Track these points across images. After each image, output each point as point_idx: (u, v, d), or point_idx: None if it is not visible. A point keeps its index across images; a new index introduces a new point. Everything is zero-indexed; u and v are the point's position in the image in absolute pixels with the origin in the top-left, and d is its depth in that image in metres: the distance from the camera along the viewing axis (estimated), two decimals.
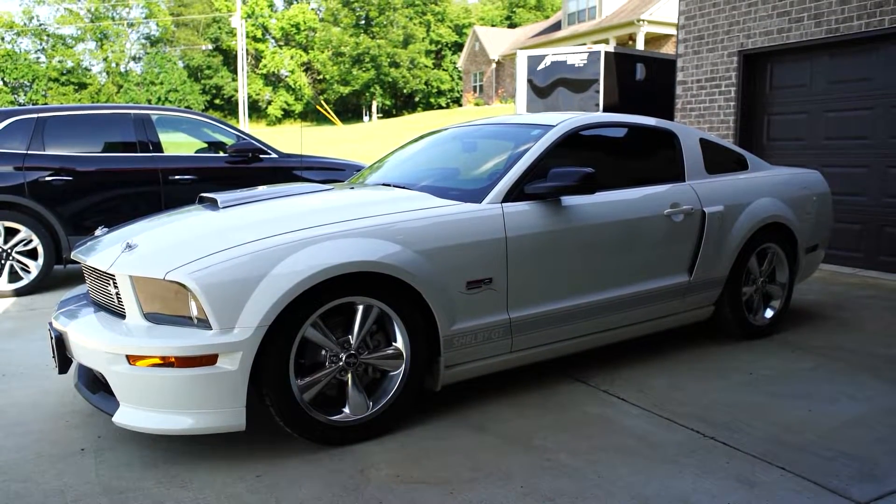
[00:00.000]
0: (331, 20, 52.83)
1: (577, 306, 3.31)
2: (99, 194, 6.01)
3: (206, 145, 6.95)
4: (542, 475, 2.51)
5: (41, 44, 49.20)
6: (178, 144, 6.97)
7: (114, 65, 50.94)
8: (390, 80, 49.74)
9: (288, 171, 6.86)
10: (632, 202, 3.54)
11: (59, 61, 48.29)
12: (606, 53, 9.13)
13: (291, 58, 53.00)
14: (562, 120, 3.60)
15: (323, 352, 2.70)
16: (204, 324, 2.48)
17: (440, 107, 49.60)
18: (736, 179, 4.11)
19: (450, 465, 2.60)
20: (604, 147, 3.84)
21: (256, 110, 52.08)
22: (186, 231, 2.85)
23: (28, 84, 46.44)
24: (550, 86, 9.33)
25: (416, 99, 51.64)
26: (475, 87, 38.88)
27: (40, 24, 49.13)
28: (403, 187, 3.44)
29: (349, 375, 2.75)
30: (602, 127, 3.78)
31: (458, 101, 48.47)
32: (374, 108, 50.60)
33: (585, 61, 9.03)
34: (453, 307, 2.90)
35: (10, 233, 5.73)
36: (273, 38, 54.53)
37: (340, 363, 2.72)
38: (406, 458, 2.65)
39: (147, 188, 6.19)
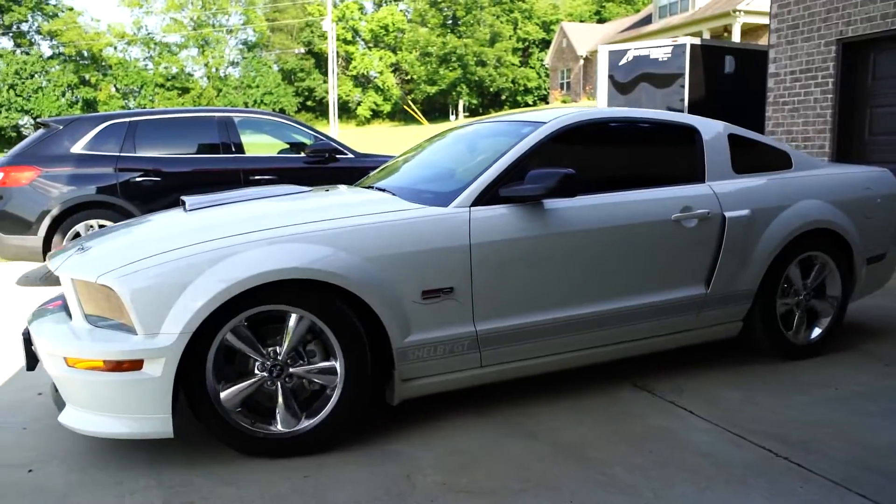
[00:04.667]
0: (419, 21, 53.42)
1: (564, 319, 3.04)
2: (184, 194, 6.26)
3: (287, 146, 7.14)
4: (593, 489, 2.39)
5: (149, 52, 52.27)
6: (261, 146, 7.19)
7: (214, 70, 53.47)
8: (477, 78, 49.78)
9: (364, 170, 6.93)
10: (631, 206, 3.21)
11: (165, 67, 51.11)
12: (692, 46, 8.72)
13: (380, 59, 53.96)
14: (556, 117, 3.33)
15: (251, 361, 2.64)
16: (132, 328, 2.46)
17: (527, 105, 49.24)
18: (772, 180, 3.65)
19: (498, 474, 2.52)
20: (605, 145, 3.52)
21: (346, 111, 53.34)
22: (141, 234, 2.88)
23: (137, 90, 49.39)
24: (632, 81, 9.01)
25: (503, 97, 51.44)
26: (562, 85, 38.33)
27: (148, 34, 52.21)
28: (385, 190, 3.33)
29: (278, 387, 2.66)
30: (604, 123, 3.46)
31: (545, 99, 47.95)
32: (460, 107, 50.76)
33: (670, 55, 8.66)
34: (407, 318, 2.73)
35: None
36: (363, 40, 55.69)
37: (265, 374, 2.64)
38: (454, 465, 2.59)
39: (229, 188, 6.40)
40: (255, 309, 2.57)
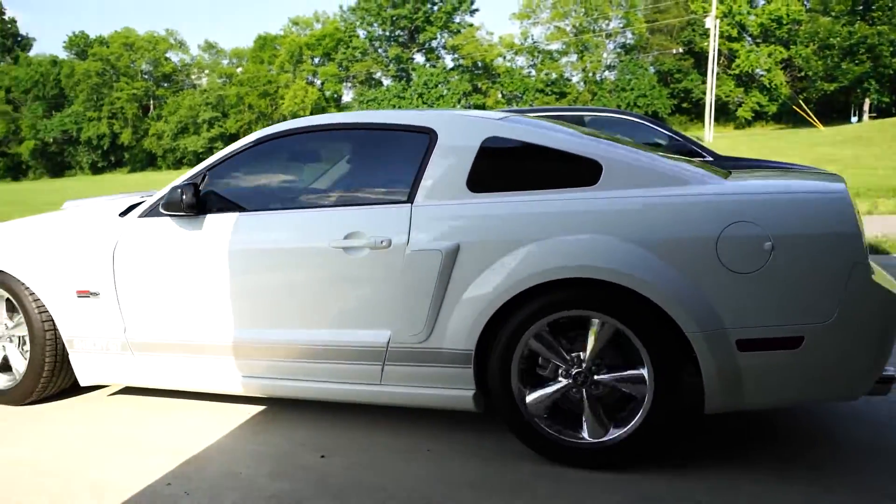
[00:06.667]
0: (819, 10, 47.20)
1: (213, 341, 2.98)
2: None
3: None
4: None
5: (532, 59, 56.02)
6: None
7: (591, 74, 54.91)
8: (891, 72, 42.03)
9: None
10: (286, 228, 2.90)
11: (546, 74, 54.26)
12: None
13: (769, 55, 49.15)
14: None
15: None
16: None
17: None
18: (529, 202, 2.60)
19: None
20: (301, 157, 3.37)
21: (724, 113, 49.89)
22: None
23: (520, 95, 53.39)
24: None
25: None
26: None
27: (534, 43, 55.96)
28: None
29: None
30: (312, 131, 3.09)
31: None
32: (865, 107, 43.50)
33: None
34: (70, 312, 3.20)
35: None
36: (750, 35, 51.36)
37: None
38: None
39: None
40: None
